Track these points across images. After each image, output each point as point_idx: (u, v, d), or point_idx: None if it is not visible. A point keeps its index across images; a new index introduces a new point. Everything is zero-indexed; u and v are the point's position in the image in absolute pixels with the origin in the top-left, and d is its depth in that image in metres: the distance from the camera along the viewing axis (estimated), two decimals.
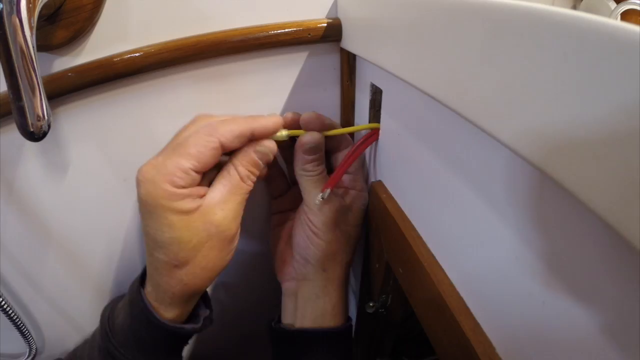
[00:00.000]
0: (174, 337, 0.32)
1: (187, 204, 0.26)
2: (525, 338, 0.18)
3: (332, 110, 0.39)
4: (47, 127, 0.23)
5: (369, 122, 0.35)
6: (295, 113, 0.34)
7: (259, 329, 0.43)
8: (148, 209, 0.26)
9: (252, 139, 0.29)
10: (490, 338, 0.21)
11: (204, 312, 0.34)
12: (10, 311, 0.36)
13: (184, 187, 0.26)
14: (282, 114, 0.38)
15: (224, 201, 0.28)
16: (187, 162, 0.26)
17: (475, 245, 0.21)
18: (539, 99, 0.12)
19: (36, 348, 0.41)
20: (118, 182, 0.37)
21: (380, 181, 0.35)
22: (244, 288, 0.51)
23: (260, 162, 0.29)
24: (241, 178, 0.28)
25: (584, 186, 0.11)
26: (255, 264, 0.48)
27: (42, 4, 0.23)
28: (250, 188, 0.29)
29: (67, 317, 0.43)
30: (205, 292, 0.35)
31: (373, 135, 0.34)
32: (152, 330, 0.30)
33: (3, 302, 0.35)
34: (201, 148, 0.26)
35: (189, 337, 0.33)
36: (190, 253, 0.27)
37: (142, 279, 0.32)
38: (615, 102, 0.10)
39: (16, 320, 0.37)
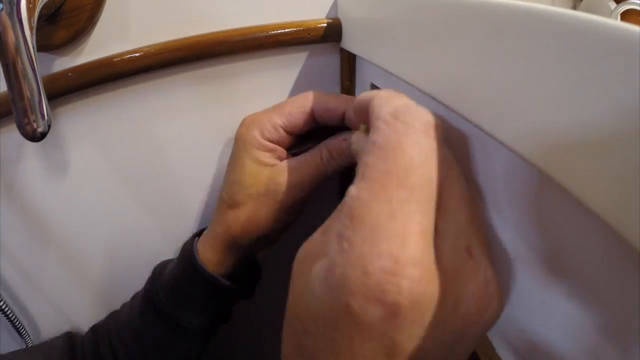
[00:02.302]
0: (210, 289, 0.31)
1: (265, 157, 0.29)
2: (525, 338, 0.18)
3: None
4: (47, 128, 0.23)
5: None
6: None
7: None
8: (235, 149, 0.30)
9: (344, 120, 0.29)
10: (490, 338, 0.21)
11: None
12: (9, 311, 0.36)
13: (269, 141, 0.29)
14: None
15: (296, 169, 0.29)
16: (279, 119, 0.29)
17: None
18: (538, 99, 0.12)
19: None
20: (118, 182, 0.37)
21: None
22: None
23: (346, 150, 0.29)
24: (321, 157, 0.29)
25: (584, 186, 0.11)
26: None
27: (42, 4, 0.23)
28: (325, 169, 0.29)
29: (65, 317, 0.43)
30: (258, 264, 0.36)
31: None
32: (191, 275, 0.31)
33: (2, 303, 0.35)
34: (293, 109, 0.29)
35: (227, 297, 0.33)
36: (244, 199, 0.30)
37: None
38: (615, 102, 0.10)
39: (14, 321, 0.37)
